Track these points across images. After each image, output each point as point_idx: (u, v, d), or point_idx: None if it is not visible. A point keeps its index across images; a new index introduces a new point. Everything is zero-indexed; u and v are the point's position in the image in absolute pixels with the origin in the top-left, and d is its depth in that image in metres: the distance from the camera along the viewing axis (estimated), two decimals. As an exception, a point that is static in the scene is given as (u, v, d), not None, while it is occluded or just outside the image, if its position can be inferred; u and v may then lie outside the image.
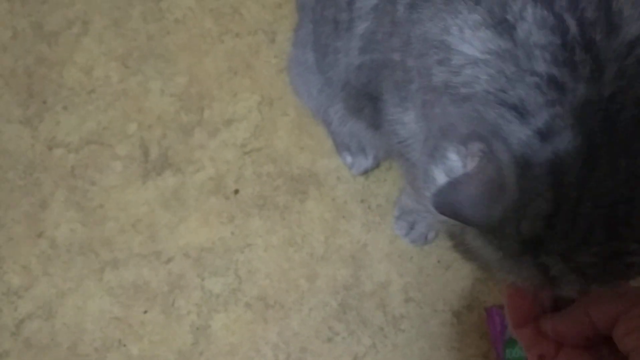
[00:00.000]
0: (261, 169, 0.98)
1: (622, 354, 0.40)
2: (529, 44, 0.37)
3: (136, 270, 0.95)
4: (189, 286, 0.94)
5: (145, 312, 0.93)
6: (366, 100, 0.66)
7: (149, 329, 0.93)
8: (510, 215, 0.36)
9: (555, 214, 0.36)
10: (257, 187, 0.97)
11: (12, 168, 1.00)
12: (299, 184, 0.97)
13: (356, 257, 0.94)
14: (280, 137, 1.00)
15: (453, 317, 0.91)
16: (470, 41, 0.40)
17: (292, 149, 0.99)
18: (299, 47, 0.83)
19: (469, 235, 0.41)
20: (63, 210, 0.98)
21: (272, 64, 1.03)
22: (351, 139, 0.90)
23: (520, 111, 0.36)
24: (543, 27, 0.37)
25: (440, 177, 0.40)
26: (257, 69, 1.03)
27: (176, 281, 0.94)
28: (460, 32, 0.40)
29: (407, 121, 0.54)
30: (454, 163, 0.39)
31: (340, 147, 0.96)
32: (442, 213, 0.36)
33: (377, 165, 0.96)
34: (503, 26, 0.38)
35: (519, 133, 0.36)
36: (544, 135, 0.35)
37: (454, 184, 0.35)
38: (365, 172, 0.97)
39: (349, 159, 0.96)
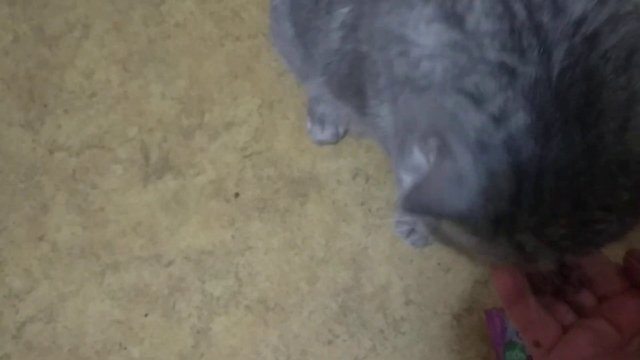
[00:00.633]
0: (261, 172, 0.98)
1: None
2: (478, 33, 0.38)
3: (137, 273, 0.95)
4: (189, 289, 0.94)
5: (146, 315, 0.93)
6: (350, 87, 0.66)
7: (149, 332, 0.93)
8: (476, 201, 0.37)
9: (519, 191, 0.37)
10: (258, 190, 0.98)
11: (13, 171, 1.00)
12: (300, 187, 0.98)
13: (356, 260, 0.94)
14: (281, 140, 1.00)
15: (453, 319, 0.91)
16: (425, 34, 0.41)
17: (292, 152, 0.99)
18: (274, 19, 0.82)
19: (444, 225, 0.42)
20: (64, 213, 0.98)
21: (272, 67, 1.03)
22: (316, 108, 0.92)
23: (476, 97, 0.37)
24: (491, 15, 0.38)
25: (407, 178, 0.42)
26: (258, 72, 1.04)
27: (177, 284, 0.94)
28: (416, 26, 0.42)
29: (382, 114, 0.55)
30: (419, 159, 0.41)
31: (309, 110, 0.97)
32: (413, 214, 0.38)
33: (335, 142, 0.98)
34: (454, 18, 0.40)
35: (474, 120, 0.37)
36: (498, 119, 0.37)
37: (416, 186, 0.37)
38: (320, 144, 0.98)
39: (309, 125, 0.98)
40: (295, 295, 0.93)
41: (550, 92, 0.36)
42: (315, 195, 0.97)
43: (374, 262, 0.94)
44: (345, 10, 0.59)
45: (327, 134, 0.97)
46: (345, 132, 0.98)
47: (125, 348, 0.92)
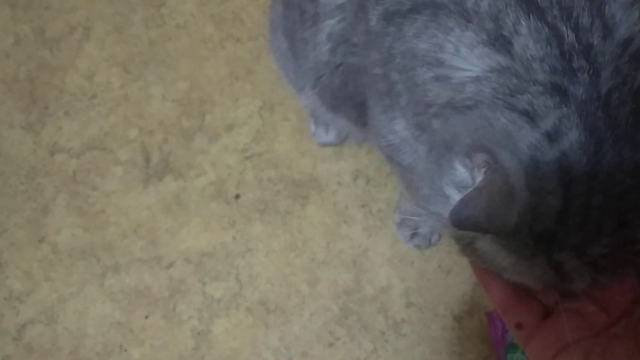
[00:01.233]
0: (262, 174, 0.98)
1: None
2: (526, 57, 0.38)
3: (137, 275, 0.95)
4: (190, 291, 0.94)
5: (147, 317, 0.93)
6: (345, 100, 0.66)
7: (150, 334, 0.93)
8: (524, 217, 0.37)
9: (567, 209, 0.37)
10: (258, 192, 0.98)
11: (14, 173, 1.00)
12: (300, 189, 0.98)
13: (357, 262, 0.94)
14: (281, 142, 1.00)
15: (454, 321, 0.91)
16: (467, 59, 0.41)
17: (293, 154, 0.99)
18: (271, 32, 0.82)
19: (481, 242, 0.42)
20: (65, 215, 0.98)
21: (273, 69, 1.03)
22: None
23: (531, 115, 0.38)
24: (538, 39, 0.38)
25: (452, 193, 0.41)
26: (258, 74, 1.04)
27: (177, 286, 0.94)
28: (456, 50, 0.41)
29: (397, 129, 0.54)
30: (462, 175, 0.40)
31: (312, 112, 0.97)
32: (461, 229, 0.37)
33: (339, 143, 0.97)
34: (500, 42, 0.39)
35: (529, 137, 0.37)
36: (552, 137, 0.37)
37: (466, 201, 0.37)
38: (324, 146, 0.98)
39: (313, 127, 0.98)
40: (296, 297, 0.93)
41: (601, 111, 0.36)
42: (315, 197, 0.97)
43: (375, 264, 0.94)
44: (331, 21, 0.59)
45: (331, 135, 0.96)
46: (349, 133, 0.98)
47: (125, 350, 0.92)
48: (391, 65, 0.49)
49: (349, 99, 0.65)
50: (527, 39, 0.38)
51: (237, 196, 0.98)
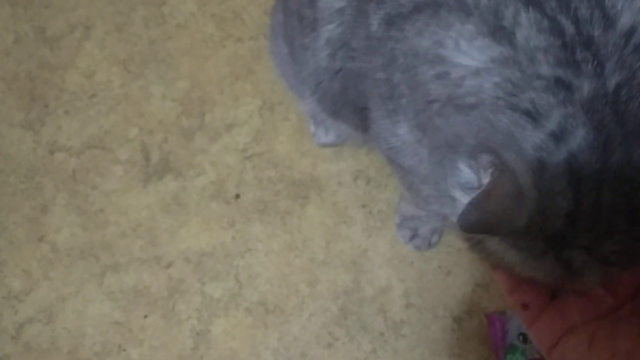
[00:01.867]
0: (262, 174, 0.98)
1: None
2: (529, 48, 0.37)
3: (136, 275, 0.95)
4: (189, 291, 0.94)
5: (146, 316, 0.93)
6: (346, 106, 0.65)
7: (149, 334, 0.92)
8: (534, 219, 0.36)
9: (577, 209, 0.36)
10: (258, 191, 0.97)
11: (13, 172, 1.00)
12: (300, 189, 0.97)
13: (357, 262, 0.94)
14: (281, 142, 1.00)
15: (454, 322, 0.91)
16: (467, 52, 0.40)
17: (293, 154, 0.99)
18: (272, 39, 0.82)
19: (490, 241, 0.42)
20: (64, 214, 0.98)
21: (273, 69, 1.03)
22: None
23: (534, 115, 0.37)
24: (540, 30, 0.37)
25: (459, 195, 0.41)
26: (259, 74, 1.03)
27: (176, 286, 0.94)
28: (456, 44, 0.40)
29: (400, 133, 0.54)
30: (468, 176, 0.40)
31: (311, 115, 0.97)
32: (472, 232, 0.37)
33: (339, 144, 0.97)
34: (500, 33, 0.39)
35: (533, 138, 0.36)
36: (558, 136, 0.36)
37: (474, 204, 0.36)
38: (324, 147, 0.98)
39: (312, 128, 0.98)
40: (295, 297, 0.93)
41: (609, 107, 0.36)
42: (315, 198, 0.97)
43: (374, 265, 0.94)
44: (330, 26, 0.59)
45: (331, 136, 0.96)
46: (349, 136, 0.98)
47: (124, 350, 0.92)
48: (394, 67, 0.49)
49: (349, 104, 0.65)
50: (529, 30, 0.38)
51: (237, 196, 0.98)
